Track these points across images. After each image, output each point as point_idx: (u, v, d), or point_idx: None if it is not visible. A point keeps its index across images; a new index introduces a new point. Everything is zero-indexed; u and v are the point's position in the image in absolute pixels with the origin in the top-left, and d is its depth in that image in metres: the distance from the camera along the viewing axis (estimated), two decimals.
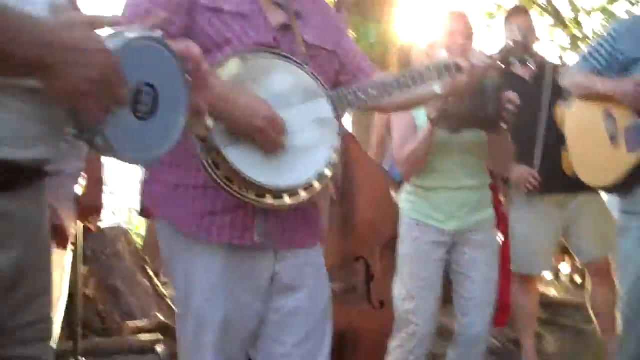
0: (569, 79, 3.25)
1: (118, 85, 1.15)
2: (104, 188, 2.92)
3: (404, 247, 3.05)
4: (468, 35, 3.01)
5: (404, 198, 3.14)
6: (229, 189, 1.81)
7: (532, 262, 3.93)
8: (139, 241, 7.35)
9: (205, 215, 1.91)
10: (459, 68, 2.07)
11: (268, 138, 1.80)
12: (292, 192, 1.87)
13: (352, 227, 3.37)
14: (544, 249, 3.98)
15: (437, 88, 2.08)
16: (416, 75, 2.05)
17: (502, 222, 3.59)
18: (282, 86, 1.87)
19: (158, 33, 1.27)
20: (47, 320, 1.40)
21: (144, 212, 2.09)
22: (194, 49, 1.41)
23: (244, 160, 1.79)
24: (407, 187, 3.13)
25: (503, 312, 4.04)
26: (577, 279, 6.94)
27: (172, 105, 1.31)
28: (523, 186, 3.71)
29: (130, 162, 1.37)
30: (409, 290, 2.98)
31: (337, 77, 2.14)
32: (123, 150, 1.24)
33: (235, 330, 1.97)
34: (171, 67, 1.30)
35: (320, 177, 1.89)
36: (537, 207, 3.82)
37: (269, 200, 1.85)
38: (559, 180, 3.64)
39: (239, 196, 1.82)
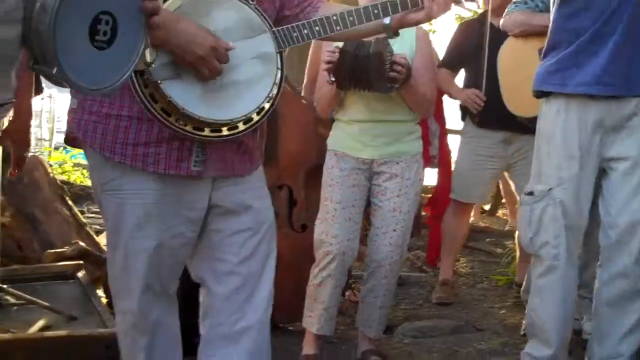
0: (507, 19, 3.56)
1: None
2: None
3: (323, 176, 3.21)
4: None
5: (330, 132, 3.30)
6: (165, 122, 1.85)
7: (472, 191, 4.27)
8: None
9: (139, 146, 1.93)
10: (409, 4, 2.07)
11: (210, 67, 1.83)
12: (231, 126, 1.92)
13: (276, 157, 3.48)
14: (485, 181, 4.31)
15: (386, 20, 2.11)
16: (362, 13, 2.07)
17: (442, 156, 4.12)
18: (225, 21, 1.89)
19: None
20: None
21: (70, 141, 2.08)
22: None
23: (183, 94, 1.82)
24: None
25: (436, 251, 4.38)
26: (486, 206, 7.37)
27: (131, 33, 1.31)
28: (471, 106, 4.03)
29: (86, 93, 1.36)
30: (323, 213, 3.15)
31: (282, 11, 2.15)
32: (79, 81, 1.24)
33: (166, 258, 2.03)
34: None
35: (260, 110, 1.95)
36: (484, 141, 4.15)
37: (206, 132, 1.90)
38: (501, 118, 3.92)
39: (176, 129, 1.86)
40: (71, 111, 2.05)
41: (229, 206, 2.07)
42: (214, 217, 2.07)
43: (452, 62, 4.38)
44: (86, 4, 1.19)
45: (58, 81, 1.23)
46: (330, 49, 2.94)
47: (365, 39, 2.81)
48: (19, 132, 2.76)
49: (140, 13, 1.31)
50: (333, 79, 2.98)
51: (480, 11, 4.39)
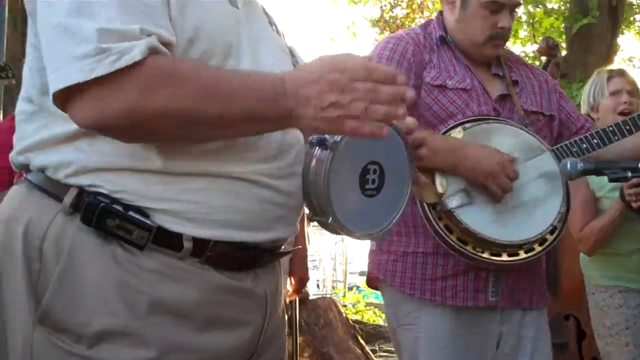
0: None
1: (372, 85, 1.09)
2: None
3: (609, 318, 2.86)
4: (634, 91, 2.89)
5: (590, 266, 2.98)
6: (463, 250, 1.86)
7: None
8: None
9: (437, 280, 1.95)
10: None
11: (500, 182, 1.84)
12: (528, 248, 1.89)
13: (559, 284, 3.32)
14: None
15: None
16: (636, 120, 2.01)
17: None
18: (504, 146, 1.91)
19: None
20: None
21: (371, 282, 2.23)
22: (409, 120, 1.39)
23: (477, 220, 1.84)
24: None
25: None
26: None
27: (398, 178, 1.33)
28: None
29: (360, 239, 1.42)
30: (627, 358, 2.81)
31: (559, 139, 2.13)
32: (354, 229, 1.28)
33: None
34: (394, 143, 1.32)
35: (553, 229, 1.91)
36: None
37: (504, 257, 1.88)
38: None
39: (474, 257, 1.86)
40: (370, 253, 2.14)
41: (515, 341, 2.00)
42: (501, 352, 2.00)
43: None
44: (355, 157, 1.25)
45: (333, 229, 1.29)
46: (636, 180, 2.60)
47: None
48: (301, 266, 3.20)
49: (406, 161, 1.34)
50: None
51: None
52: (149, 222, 1.13)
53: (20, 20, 5.28)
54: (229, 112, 1.09)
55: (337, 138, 1.21)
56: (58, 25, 1.06)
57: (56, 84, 1.05)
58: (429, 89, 1.97)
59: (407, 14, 9.47)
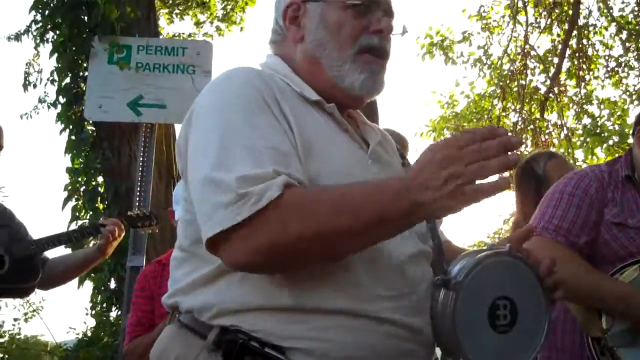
0: None
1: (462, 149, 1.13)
2: None
3: None
4: None
5: None
6: None
7: None
8: None
9: None
10: None
11: None
12: None
13: None
14: None
15: None
16: None
17: None
18: None
19: (505, 247, 1.30)
20: None
21: None
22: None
23: None
24: None
25: None
26: None
27: (533, 312, 1.30)
28: None
29: None
30: None
31: None
32: None
33: None
34: (525, 276, 1.30)
35: None
36: None
37: None
38: None
39: None
40: None
41: None
42: None
43: None
44: (482, 293, 1.25)
45: None
46: None
47: None
48: None
49: (540, 292, 1.32)
50: None
51: None
52: (283, 358, 1.20)
53: (165, 171, 5.67)
54: (357, 220, 1.16)
55: (460, 277, 1.24)
56: (204, 178, 1.20)
57: (208, 231, 1.18)
58: (609, 227, 1.98)
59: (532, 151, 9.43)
